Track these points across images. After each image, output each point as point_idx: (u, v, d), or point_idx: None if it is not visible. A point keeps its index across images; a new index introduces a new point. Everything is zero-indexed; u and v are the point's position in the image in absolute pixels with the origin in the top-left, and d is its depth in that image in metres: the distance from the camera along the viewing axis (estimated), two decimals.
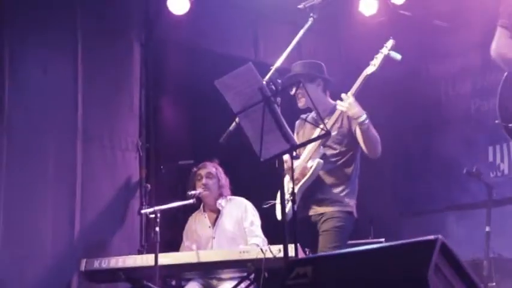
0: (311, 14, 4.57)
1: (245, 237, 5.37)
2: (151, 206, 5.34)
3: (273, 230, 5.11)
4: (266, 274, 4.58)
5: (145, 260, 4.92)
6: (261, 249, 4.60)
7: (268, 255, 4.55)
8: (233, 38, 6.78)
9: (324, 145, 4.69)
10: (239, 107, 3.75)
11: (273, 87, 3.82)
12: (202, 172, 5.52)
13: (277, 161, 3.86)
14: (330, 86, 4.93)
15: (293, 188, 3.80)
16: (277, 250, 4.49)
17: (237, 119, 3.98)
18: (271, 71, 4.09)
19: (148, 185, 5.99)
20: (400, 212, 7.36)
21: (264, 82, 3.77)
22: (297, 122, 4.95)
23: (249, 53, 6.79)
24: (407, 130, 7.33)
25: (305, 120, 4.80)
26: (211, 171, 5.53)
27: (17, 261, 5.04)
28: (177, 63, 6.40)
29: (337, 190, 4.67)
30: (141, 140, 6.08)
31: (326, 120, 4.46)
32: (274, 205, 4.71)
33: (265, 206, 4.78)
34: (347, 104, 4.55)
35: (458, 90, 7.14)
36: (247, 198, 5.56)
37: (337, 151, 4.70)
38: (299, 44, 4.68)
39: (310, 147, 4.69)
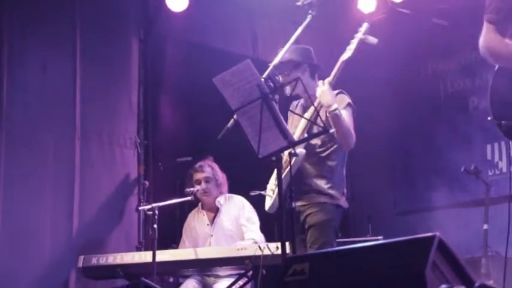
0: (309, 11, 4.57)
1: (242, 235, 5.36)
2: (149, 203, 5.35)
3: (268, 227, 5.11)
4: (264, 271, 4.58)
5: (143, 256, 4.92)
6: (259, 247, 4.59)
7: (266, 252, 4.55)
8: (231, 35, 6.77)
9: (308, 132, 4.52)
10: (237, 104, 3.75)
11: (271, 84, 3.81)
12: (200, 177, 5.49)
13: (275, 158, 3.86)
14: (318, 70, 4.75)
15: (291, 184, 3.79)
16: (274, 247, 4.49)
17: (235, 116, 3.98)
18: (270, 68, 4.09)
19: (147, 182, 5.98)
20: (398, 210, 7.36)
21: (262, 79, 3.77)
22: (288, 112, 4.78)
23: (247, 49, 6.78)
24: (406, 127, 7.33)
25: (293, 112, 4.69)
26: (209, 174, 5.49)
27: (15, 257, 5.04)
28: (176, 59, 6.39)
29: (321, 182, 4.54)
30: (139, 136, 6.08)
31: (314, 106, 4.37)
32: (263, 196, 4.66)
33: (252, 194, 4.74)
34: (320, 91, 4.44)
35: (457, 87, 7.14)
36: (244, 194, 5.53)
37: (321, 141, 4.56)
38: (297, 41, 4.68)
39: (295, 135, 4.45)
